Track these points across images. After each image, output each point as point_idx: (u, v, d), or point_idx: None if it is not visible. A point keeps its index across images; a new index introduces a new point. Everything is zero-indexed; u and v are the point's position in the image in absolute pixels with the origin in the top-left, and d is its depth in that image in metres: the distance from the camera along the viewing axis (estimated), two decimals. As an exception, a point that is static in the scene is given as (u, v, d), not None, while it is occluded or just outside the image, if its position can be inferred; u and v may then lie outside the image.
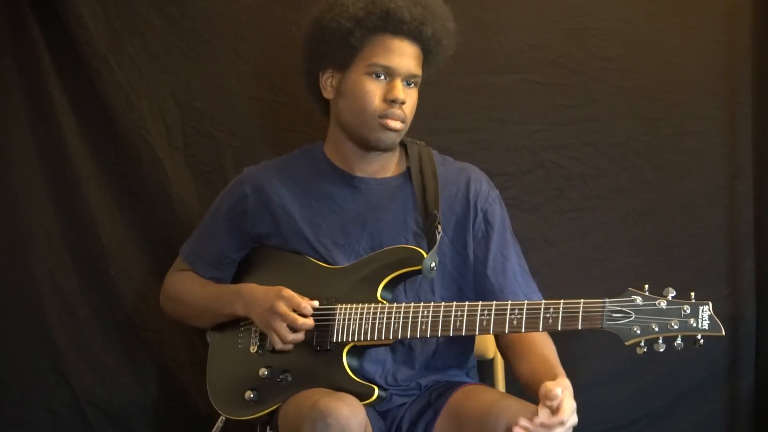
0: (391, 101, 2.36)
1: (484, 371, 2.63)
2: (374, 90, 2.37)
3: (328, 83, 2.44)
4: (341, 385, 2.28)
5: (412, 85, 2.40)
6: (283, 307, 2.33)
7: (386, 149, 2.43)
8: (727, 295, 2.90)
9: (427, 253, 2.33)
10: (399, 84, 2.37)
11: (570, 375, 2.88)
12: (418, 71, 2.40)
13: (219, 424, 2.49)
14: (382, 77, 2.37)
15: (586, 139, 2.91)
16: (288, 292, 2.35)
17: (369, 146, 2.42)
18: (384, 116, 2.37)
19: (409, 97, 2.39)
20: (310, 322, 2.33)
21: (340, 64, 2.41)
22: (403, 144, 2.51)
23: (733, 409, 2.94)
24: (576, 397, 2.90)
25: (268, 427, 2.41)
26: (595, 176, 2.91)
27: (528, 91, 2.90)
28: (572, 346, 2.86)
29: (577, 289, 2.83)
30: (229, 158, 2.90)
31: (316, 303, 2.34)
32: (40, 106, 2.89)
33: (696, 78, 2.91)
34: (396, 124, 2.38)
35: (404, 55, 2.37)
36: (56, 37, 2.85)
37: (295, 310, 2.33)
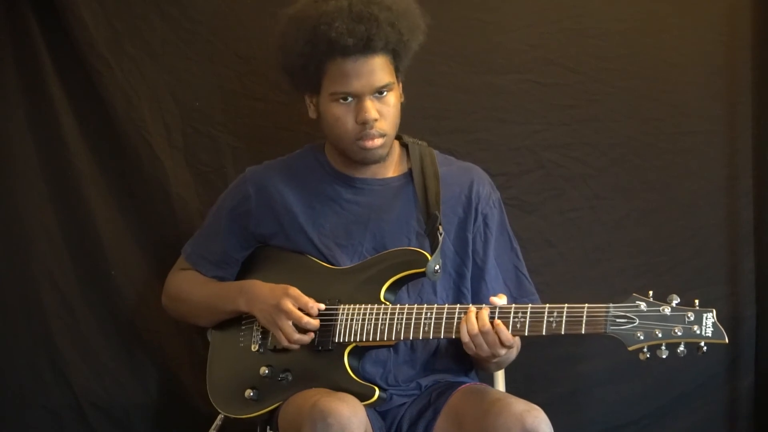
0: (363, 123, 2.35)
1: (484, 371, 2.62)
2: (344, 114, 2.36)
3: (310, 104, 2.45)
4: (342, 386, 2.28)
5: (385, 92, 2.37)
6: (289, 305, 2.33)
7: (375, 163, 2.44)
8: (727, 295, 2.91)
9: (430, 255, 2.33)
10: (367, 104, 2.34)
11: (570, 375, 2.92)
12: (385, 80, 2.35)
13: (217, 422, 2.49)
14: (349, 99, 2.35)
15: (586, 139, 2.91)
16: (295, 291, 2.35)
17: (357, 163, 2.43)
18: (360, 138, 2.37)
19: (383, 108, 2.36)
20: (315, 322, 2.33)
21: (312, 88, 2.41)
22: (404, 144, 2.51)
23: (733, 409, 2.94)
24: (576, 397, 2.93)
25: (268, 427, 2.42)
26: (595, 176, 2.91)
27: (528, 91, 2.89)
28: (573, 346, 2.87)
29: (576, 289, 2.86)
30: (229, 158, 2.90)
31: (322, 306, 2.34)
32: (40, 106, 2.88)
33: (696, 78, 2.91)
34: (374, 143, 2.37)
35: (362, 75, 2.33)
36: (56, 37, 2.85)
37: (301, 310, 2.33)
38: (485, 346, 2.21)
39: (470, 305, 2.24)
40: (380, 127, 2.37)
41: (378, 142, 2.38)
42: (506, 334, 2.19)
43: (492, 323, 2.19)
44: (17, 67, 2.88)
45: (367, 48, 2.31)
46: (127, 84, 2.87)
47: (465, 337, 2.21)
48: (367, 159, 2.41)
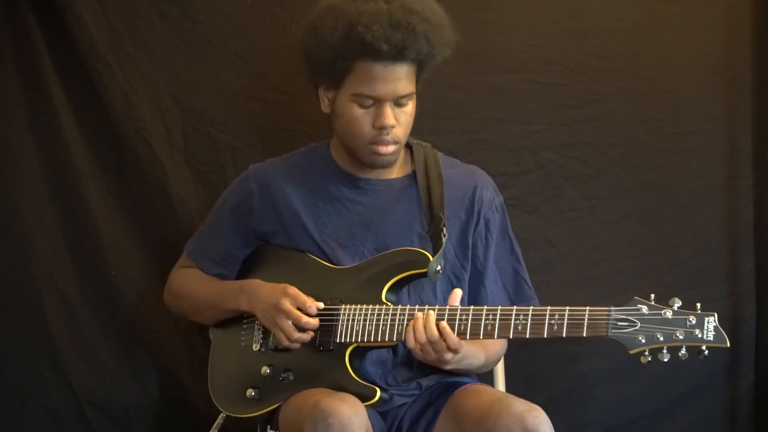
0: (380, 128, 2.35)
1: (484, 371, 2.62)
2: (362, 117, 2.36)
3: (324, 97, 2.44)
4: (343, 386, 2.28)
5: (405, 101, 2.37)
6: (288, 305, 2.33)
7: (383, 167, 2.44)
8: (727, 295, 2.91)
9: (432, 256, 2.33)
10: (387, 110, 2.34)
11: (570, 375, 2.92)
12: (408, 89, 2.36)
13: (219, 421, 2.49)
14: (370, 103, 2.35)
15: (586, 139, 2.91)
16: (294, 290, 2.35)
17: (365, 165, 2.43)
18: (374, 143, 2.37)
19: (401, 115, 2.37)
20: (314, 321, 2.33)
21: (332, 83, 2.40)
22: (408, 146, 2.51)
23: (733, 409, 2.94)
24: (576, 396, 2.93)
25: (268, 426, 2.42)
26: (595, 176, 2.91)
27: (528, 91, 2.90)
28: (572, 346, 2.88)
29: (576, 289, 2.86)
30: (229, 158, 2.90)
31: (321, 305, 2.35)
32: (40, 106, 2.88)
33: (696, 78, 2.91)
34: (387, 149, 2.38)
35: (389, 81, 2.33)
36: (56, 37, 2.84)
37: (300, 309, 2.33)
38: (432, 353, 2.22)
39: (471, 306, 2.25)
40: (396, 134, 2.37)
41: (391, 148, 2.38)
42: (452, 338, 2.20)
43: (438, 327, 2.21)
44: (17, 67, 2.87)
45: (399, 56, 2.31)
46: (127, 84, 2.86)
47: (411, 344, 2.23)
48: (376, 163, 2.42)
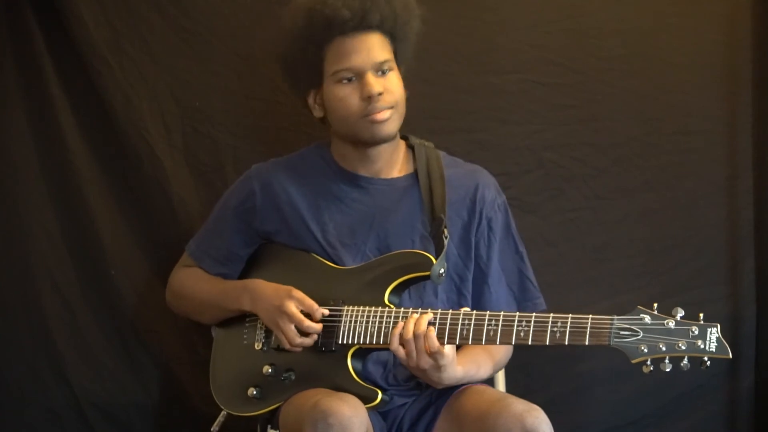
0: (368, 98, 2.35)
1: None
2: (348, 94, 2.36)
3: (314, 104, 2.46)
4: (344, 387, 2.28)
5: (387, 70, 2.38)
6: (292, 308, 2.33)
7: (387, 140, 2.42)
8: (727, 295, 2.90)
9: (435, 259, 2.33)
10: (370, 78, 2.35)
11: (570, 375, 2.93)
12: (385, 56, 2.38)
13: (220, 418, 2.49)
14: (352, 79, 2.36)
15: (586, 139, 2.91)
16: (299, 294, 2.35)
17: (369, 143, 2.42)
18: (367, 114, 2.37)
19: (388, 83, 2.37)
20: (317, 326, 2.33)
21: (314, 82, 2.42)
22: (410, 146, 2.51)
23: (733, 409, 2.94)
24: (576, 397, 2.92)
25: (269, 425, 2.42)
26: (595, 176, 2.91)
27: (528, 91, 2.90)
28: (573, 346, 2.86)
29: (577, 289, 2.86)
30: (229, 158, 2.90)
31: (326, 311, 2.34)
32: (40, 106, 2.87)
33: (696, 78, 2.91)
34: (383, 115, 2.37)
35: (362, 50, 2.35)
36: (56, 37, 2.84)
37: (303, 312, 2.33)
38: (414, 353, 2.20)
39: (473, 312, 2.24)
40: (387, 100, 2.37)
41: (387, 113, 2.37)
42: (433, 341, 2.19)
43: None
44: (17, 67, 2.87)
45: (363, 22, 2.34)
46: (127, 84, 2.86)
47: (394, 345, 2.22)
48: (377, 135, 2.40)
